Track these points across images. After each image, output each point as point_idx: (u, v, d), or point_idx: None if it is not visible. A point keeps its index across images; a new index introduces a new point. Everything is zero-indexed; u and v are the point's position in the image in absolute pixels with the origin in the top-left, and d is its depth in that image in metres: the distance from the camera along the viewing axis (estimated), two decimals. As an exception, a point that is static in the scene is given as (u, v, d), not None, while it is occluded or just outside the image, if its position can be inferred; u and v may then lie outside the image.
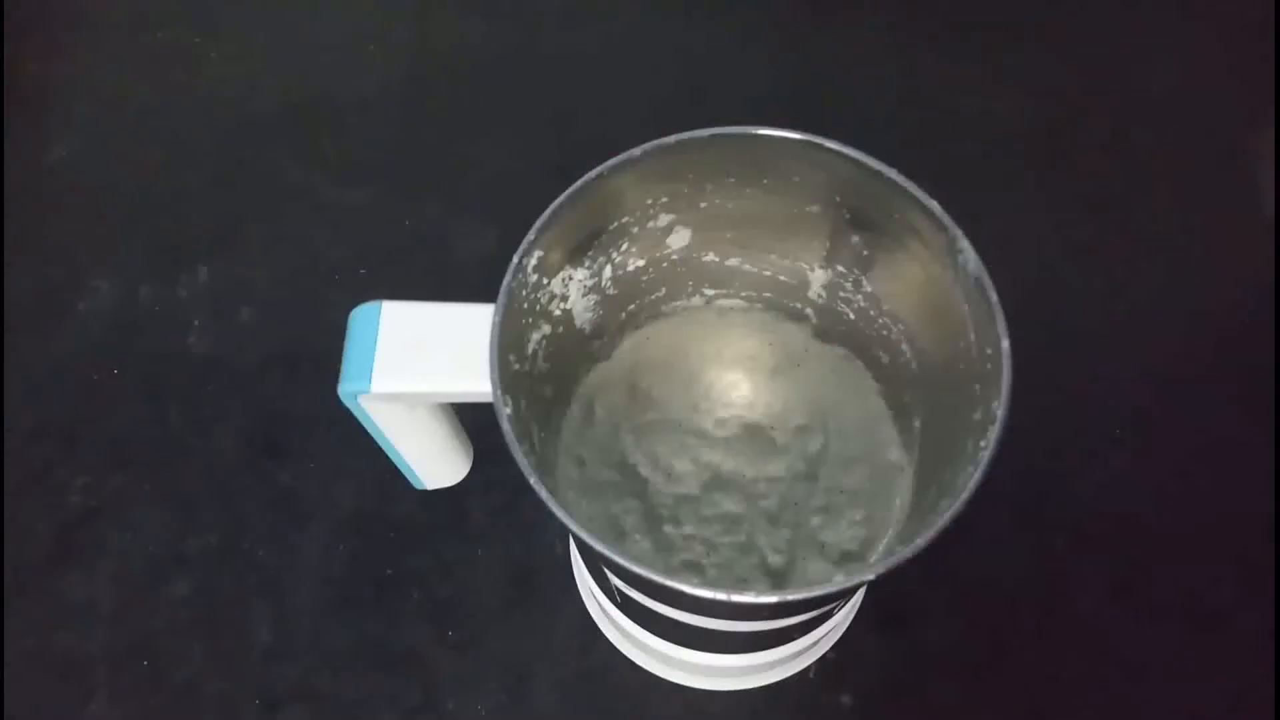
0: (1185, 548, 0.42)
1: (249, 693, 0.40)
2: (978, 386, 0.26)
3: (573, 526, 0.23)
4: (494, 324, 0.26)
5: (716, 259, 0.33)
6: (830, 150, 0.27)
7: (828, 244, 0.31)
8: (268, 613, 0.41)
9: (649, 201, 0.30)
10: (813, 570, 0.32)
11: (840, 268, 0.31)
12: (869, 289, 0.31)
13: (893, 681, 0.40)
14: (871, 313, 0.32)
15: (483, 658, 0.40)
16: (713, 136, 0.27)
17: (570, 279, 0.30)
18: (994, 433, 0.24)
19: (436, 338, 0.27)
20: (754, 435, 0.35)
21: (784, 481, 0.34)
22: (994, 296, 0.25)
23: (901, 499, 0.32)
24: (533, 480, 0.24)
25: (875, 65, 0.54)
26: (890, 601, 0.41)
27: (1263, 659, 0.40)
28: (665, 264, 0.33)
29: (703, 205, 0.30)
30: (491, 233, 0.49)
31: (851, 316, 0.33)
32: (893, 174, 0.26)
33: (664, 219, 0.31)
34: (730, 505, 0.34)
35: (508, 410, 0.25)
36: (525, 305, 0.28)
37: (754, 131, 0.27)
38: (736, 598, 0.23)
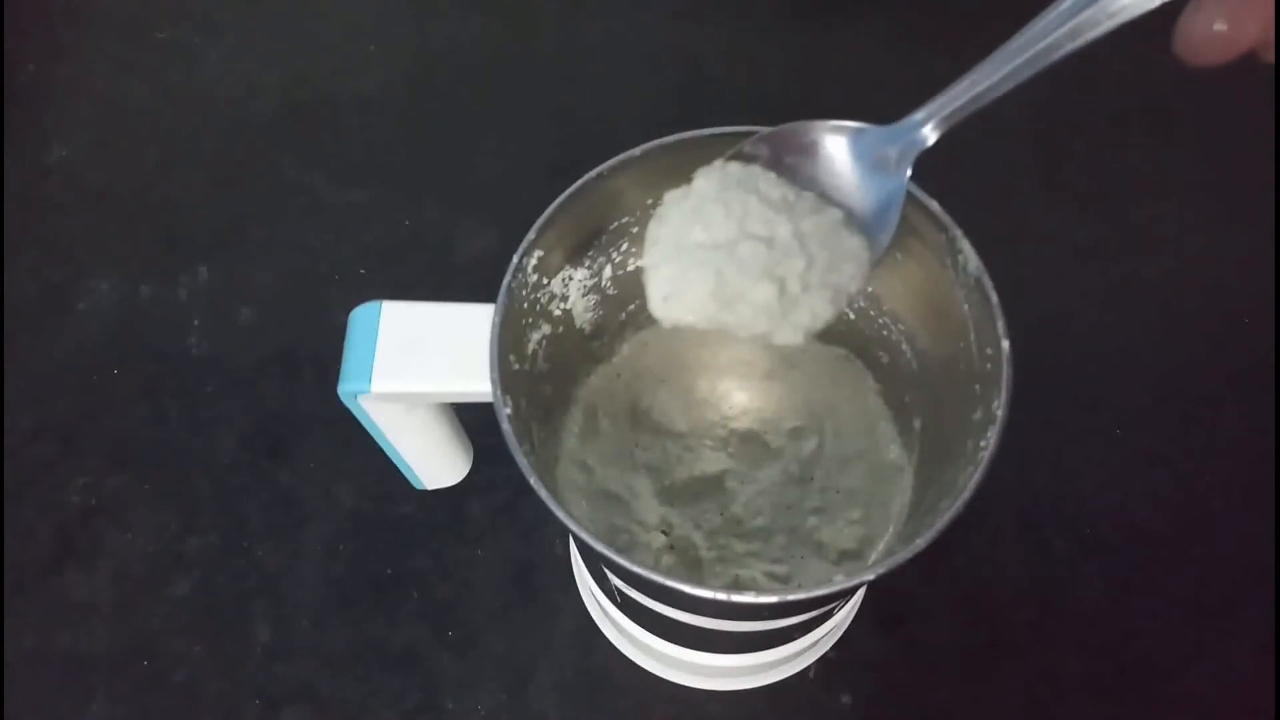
0: (1185, 548, 0.42)
1: (249, 693, 0.40)
2: (978, 386, 0.26)
3: (573, 526, 0.23)
4: (494, 324, 0.26)
5: (716, 259, 0.33)
6: (830, 150, 0.27)
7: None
8: (268, 613, 0.41)
9: (649, 201, 0.30)
10: (812, 570, 0.32)
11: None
12: (869, 289, 0.31)
13: (893, 681, 0.40)
14: (871, 313, 0.32)
15: (483, 658, 0.40)
16: (712, 136, 0.27)
17: (570, 279, 0.30)
18: (994, 433, 0.24)
19: (436, 338, 0.27)
20: (749, 441, 0.35)
21: (776, 485, 0.34)
22: (994, 297, 0.25)
23: (901, 498, 0.32)
24: (533, 480, 0.24)
25: (875, 65, 0.54)
26: (890, 601, 0.41)
27: (1263, 659, 0.40)
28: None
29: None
30: (491, 233, 0.49)
31: (851, 316, 0.33)
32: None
33: (664, 219, 0.31)
34: (730, 511, 0.34)
35: (508, 410, 0.25)
36: (525, 305, 0.28)
37: (754, 131, 0.27)
38: (736, 598, 0.23)
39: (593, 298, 0.32)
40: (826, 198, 0.25)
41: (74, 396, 0.46)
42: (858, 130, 0.25)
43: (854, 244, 0.25)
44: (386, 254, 0.49)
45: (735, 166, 0.26)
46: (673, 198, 0.26)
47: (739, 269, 0.24)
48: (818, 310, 0.24)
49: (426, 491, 0.36)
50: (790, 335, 0.25)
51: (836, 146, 0.25)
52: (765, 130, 0.26)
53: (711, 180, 0.25)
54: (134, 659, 0.41)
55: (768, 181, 0.25)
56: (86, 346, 0.47)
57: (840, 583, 0.24)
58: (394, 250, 0.50)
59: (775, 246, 0.24)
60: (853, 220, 0.25)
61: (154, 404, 0.46)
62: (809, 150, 0.26)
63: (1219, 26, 0.19)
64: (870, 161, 0.25)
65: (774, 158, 0.26)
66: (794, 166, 0.26)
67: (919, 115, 0.24)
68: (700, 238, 0.24)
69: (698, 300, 0.24)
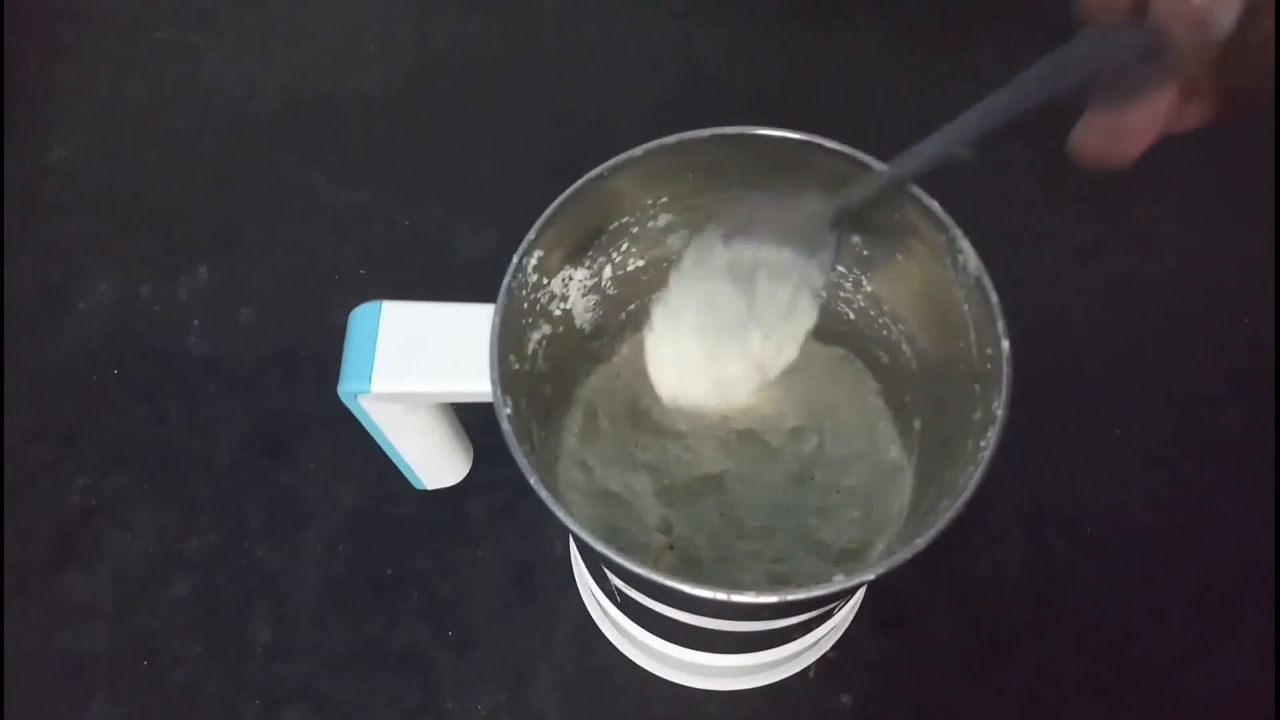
0: (1185, 548, 0.42)
1: (249, 693, 0.40)
2: (978, 386, 0.26)
3: (573, 526, 0.23)
4: (494, 324, 0.26)
5: (716, 259, 0.33)
6: (830, 150, 0.27)
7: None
8: (268, 613, 0.41)
9: (649, 201, 0.30)
10: (811, 570, 0.32)
11: (840, 268, 0.31)
12: (869, 289, 0.31)
13: (893, 681, 0.40)
14: (871, 313, 0.32)
15: (483, 658, 0.40)
16: (713, 136, 0.27)
17: (570, 279, 0.30)
18: (994, 433, 0.24)
19: (436, 338, 0.27)
20: (749, 441, 0.35)
21: (776, 485, 0.34)
22: (994, 297, 0.25)
23: (901, 499, 0.32)
24: (533, 480, 0.24)
25: (874, 65, 0.54)
26: (890, 601, 0.41)
27: (1263, 659, 0.40)
28: (665, 264, 0.33)
29: (702, 205, 0.30)
30: (491, 233, 0.49)
31: (851, 316, 0.33)
32: (893, 174, 0.26)
33: (664, 219, 0.31)
34: (730, 511, 0.34)
35: (508, 410, 0.25)
36: (525, 305, 0.28)
37: (754, 131, 0.27)
38: (736, 598, 0.23)
39: (593, 298, 0.32)
40: (780, 263, 0.29)
41: (74, 396, 0.46)
42: (794, 196, 0.28)
43: (804, 302, 0.28)
44: (386, 254, 0.49)
45: (704, 254, 0.29)
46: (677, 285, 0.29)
47: (722, 359, 0.29)
48: (784, 355, 0.29)
49: (426, 491, 0.36)
50: (769, 378, 0.29)
51: (776, 220, 0.29)
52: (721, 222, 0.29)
53: (693, 276, 0.29)
54: (134, 659, 0.41)
55: (728, 265, 0.29)
56: (86, 346, 0.47)
57: (840, 583, 0.24)
58: (394, 250, 0.50)
59: (742, 326, 0.29)
60: (802, 283, 0.29)
61: (154, 404, 0.46)
62: (758, 224, 0.29)
63: (1102, 147, 0.24)
64: (805, 224, 0.28)
65: (731, 235, 0.29)
66: (749, 239, 0.29)
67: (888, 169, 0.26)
68: (693, 325, 0.29)
69: (701, 396, 0.29)
